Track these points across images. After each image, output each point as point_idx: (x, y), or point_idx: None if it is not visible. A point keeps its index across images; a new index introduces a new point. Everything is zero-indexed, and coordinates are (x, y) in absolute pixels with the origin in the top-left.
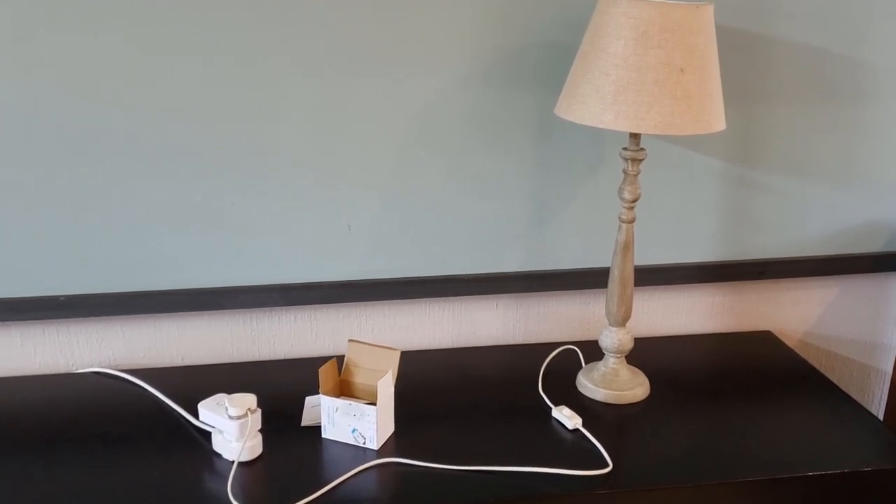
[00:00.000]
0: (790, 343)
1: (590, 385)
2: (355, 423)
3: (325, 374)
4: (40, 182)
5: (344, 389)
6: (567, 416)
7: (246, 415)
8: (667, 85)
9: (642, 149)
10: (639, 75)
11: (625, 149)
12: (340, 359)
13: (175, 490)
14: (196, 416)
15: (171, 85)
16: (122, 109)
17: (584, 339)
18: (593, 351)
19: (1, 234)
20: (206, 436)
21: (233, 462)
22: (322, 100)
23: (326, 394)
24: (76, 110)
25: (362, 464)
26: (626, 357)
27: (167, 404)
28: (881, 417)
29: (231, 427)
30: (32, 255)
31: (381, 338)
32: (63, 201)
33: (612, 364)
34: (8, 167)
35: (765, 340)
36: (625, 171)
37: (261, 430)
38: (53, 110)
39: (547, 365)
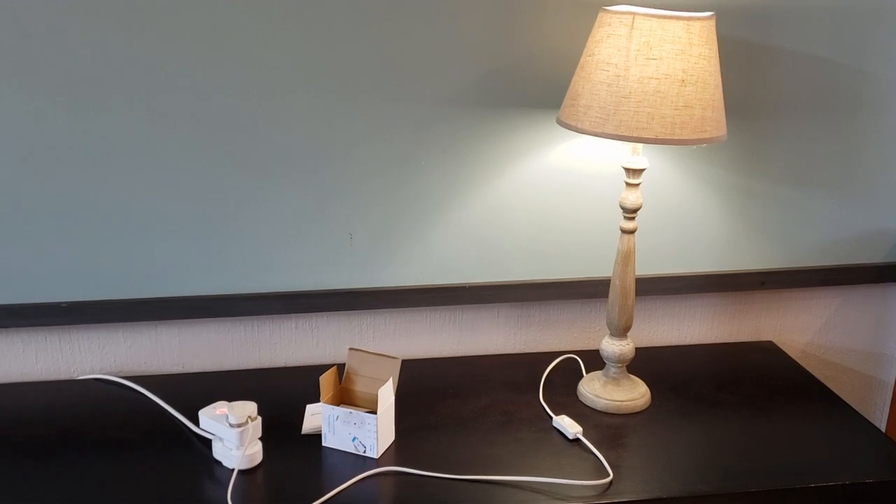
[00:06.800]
0: (792, 353)
1: (591, 394)
2: (356, 432)
3: (326, 382)
4: (43, 189)
5: (344, 398)
6: (568, 426)
7: (246, 423)
8: (668, 96)
9: (643, 158)
10: (640, 86)
11: (626, 159)
12: (341, 367)
13: (175, 498)
14: (197, 423)
15: (175, 94)
16: (127, 117)
17: (585, 348)
18: (594, 360)
19: (3, 240)
20: (207, 443)
21: (233, 470)
22: (326, 109)
23: (327, 402)
24: (79, 118)
25: (362, 472)
26: (627, 366)
27: (168, 411)
28: (883, 429)
29: (231, 435)
30: (35, 261)
31: (381, 346)
32: (65, 208)
33: (613, 373)
34: (11, 173)
35: (766, 351)
36: (626, 181)
37: (261, 438)
38: (56, 118)
39: (548, 374)
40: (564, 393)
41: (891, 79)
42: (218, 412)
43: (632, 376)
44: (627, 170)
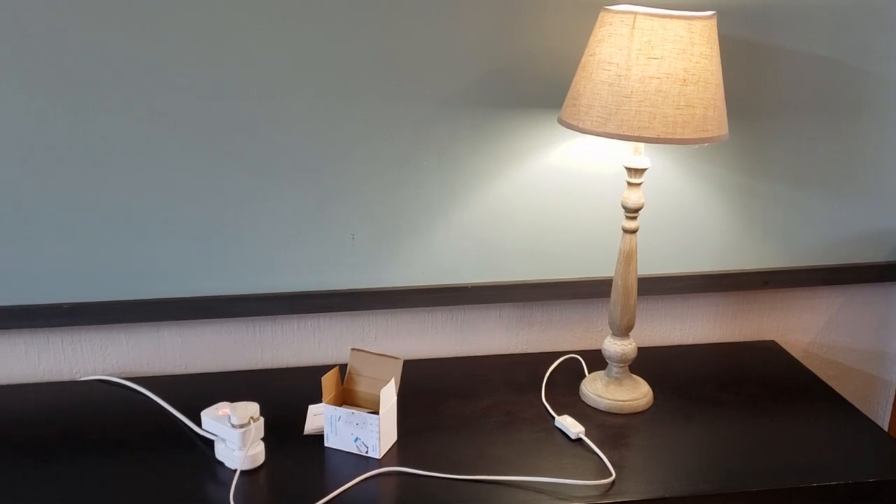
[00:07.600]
0: (794, 353)
1: (593, 394)
2: (358, 432)
3: (328, 382)
4: (43, 189)
5: (346, 398)
6: (570, 426)
7: (249, 423)
8: (669, 95)
9: (645, 158)
10: (641, 85)
11: (628, 158)
12: (343, 367)
13: (177, 498)
14: (199, 424)
15: (175, 94)
16: (127, 117)
17: (587, 348)
18: (597, 360)
19: (4, 240)
20: (209, 444)
21: (235, 470)
22: (326, 109)
23: (329, 402)
24: (79, 118)
25: (365, 473)
26: (629, 366)
27: (170, 412)
28: (886, 428)
29: (234, 435)
30: (35, 262)
31: (383, 346)
32: (65, 208)
33: (615, 373)
34: (12, 175)
35: (769, 350)
36: (628, 181)
37: (263, 439)
38: (56, 118)
39: (550, 374)
40: (566, 393)
41: (891, 78)
42: (220, 413)
43: (634, 376)
44: (629, 169)
